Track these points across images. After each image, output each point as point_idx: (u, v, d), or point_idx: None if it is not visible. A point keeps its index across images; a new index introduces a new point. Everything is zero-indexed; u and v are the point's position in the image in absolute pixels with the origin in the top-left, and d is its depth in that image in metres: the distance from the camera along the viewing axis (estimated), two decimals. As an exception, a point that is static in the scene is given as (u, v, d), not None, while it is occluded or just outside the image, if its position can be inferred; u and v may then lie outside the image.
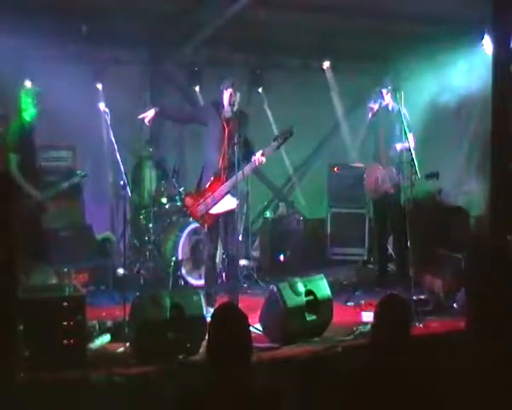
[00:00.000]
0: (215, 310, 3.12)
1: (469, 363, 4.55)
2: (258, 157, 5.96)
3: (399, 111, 6.53)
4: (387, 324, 3.13)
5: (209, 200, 6.11)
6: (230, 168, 6.01)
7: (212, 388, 2.81)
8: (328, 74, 9.61)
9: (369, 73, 10.09)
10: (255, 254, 8.73)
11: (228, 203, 6.09)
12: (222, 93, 6.11)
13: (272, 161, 7.79)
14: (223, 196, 6.08)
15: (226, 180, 6.05)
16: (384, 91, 7.25)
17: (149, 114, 6.26)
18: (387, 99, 7.24)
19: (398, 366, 3.02)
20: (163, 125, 8.21)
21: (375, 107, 7.24)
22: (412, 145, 6.55)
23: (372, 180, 7.41)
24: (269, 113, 9.41)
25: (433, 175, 6.63)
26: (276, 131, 6.33)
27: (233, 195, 6.08)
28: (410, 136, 6.57)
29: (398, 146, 6.99)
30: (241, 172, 5.92)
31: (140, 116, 6.38)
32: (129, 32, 7.98)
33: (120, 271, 7.16)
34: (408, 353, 3.08)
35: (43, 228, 6.60)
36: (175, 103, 8.88)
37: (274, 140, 6.02)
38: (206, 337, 4.97)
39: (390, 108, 7.24)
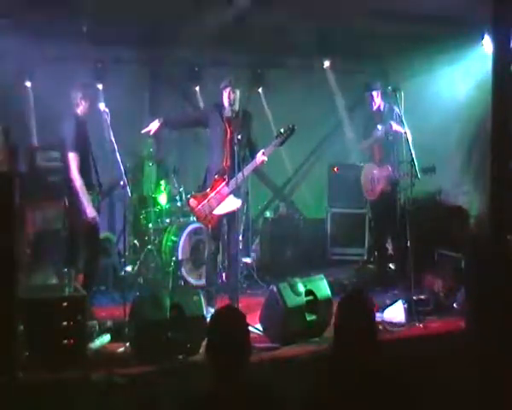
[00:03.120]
0: (214, 313, 3.12)
1: (469, 363, 4.55)
2: (259, 156, 5.97)
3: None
4: (349, 323, 3.06)
5: (212, 200, 6.12)
6: (233, 169, 6.02)
7: (212, 388, 2.81)
8: (329, 74, 9.61)
9: (369, 72, 10.09)
10: (255, 253, 8.72)
11: (231, 204, 6.09)
12: (221, 94, 6.12)
13: (272, 160, 7.79)
14: (226, 197, 6.08)
15: (229, 180, 6.06)
16: (375, 94, 7.32)
17: (153, 127, 6.27)
18: (378, 101, 7.33)
19: (366, 365, 2.94)
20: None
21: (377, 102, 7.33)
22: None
23: (368, 181, 7.43)
24: (269, 112, 9.41)
25: (430, 169, 6.63)
26: (276, 131, 6.36)
27: (236, 195, 6.09)
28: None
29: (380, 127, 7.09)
30: (241, 172, 5.93)
31: (144, 130, 6.38)
32: (129, 32, 7.98)
33: (128, 268, 7.19)
34: (375, 351, 3.00)
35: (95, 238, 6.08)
36: (175, 108, 8.88)
37: (276, 138, 6.02)
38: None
39: (382, 108, 7.33)
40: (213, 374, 2.83)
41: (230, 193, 6.07)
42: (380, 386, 2.84)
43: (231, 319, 2.96)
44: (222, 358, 2.84)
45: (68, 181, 5.81)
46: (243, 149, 6.02)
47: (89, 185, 5.89)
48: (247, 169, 5.98)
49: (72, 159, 5.76)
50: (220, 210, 6.12)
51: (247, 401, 2.77)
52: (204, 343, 5.05)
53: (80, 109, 5.91)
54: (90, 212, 5.77)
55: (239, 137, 5.97)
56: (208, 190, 6.19)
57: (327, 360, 3.25)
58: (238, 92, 6.10)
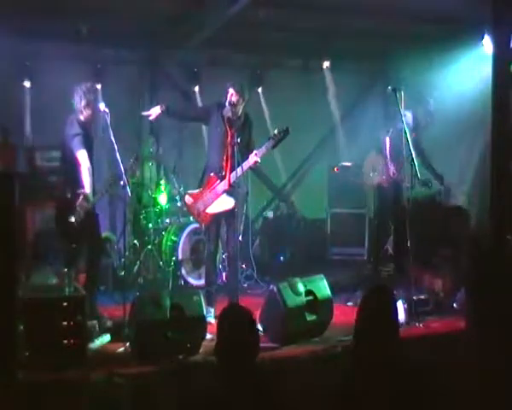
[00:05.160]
0: (222, 311, 3.11)
1: (469, 363, 4.55)
2: (251, 157, 5.96)
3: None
4: (369, 315, 3.09)
5: (206, 198, 6.13)
6: (230, 169, 6.03)
7: (223, 387, 2.81)
8: (328, 74, 9.62)
9: (368, 72, 10.10)
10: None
11: (224, 203, 6.09)
12: (226, 91, 6.11)
13: (272, 161, 7.82)
14: (219, 196, 6.08)
15: (223, 180, 6.06)
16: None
17: (155, 112, 6.26)
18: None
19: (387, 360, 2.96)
20: (163, 124, 8.20)
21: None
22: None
23: (369, 168, 7.46)
24: (268, 113, 9.41)
25: (426, 183, 6.77)
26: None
27: (230, 195, 6.08)
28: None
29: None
30: (235, 172, 5.94)
31: (145, 113, 6.39)
32: (129, 32, 7.98)
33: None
34: (396, 345, 3.02)
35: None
36: (176, 103, 8.88)
37: (269, 139, 5.99)
38: (209, 338, 5.05)
39: None
40: (223, 373, 2.84)
41: (224, 192, 6.07)
42: (390, 384, 2.86)
43: (242, 318, 2.96)
44: (233, 356, 2.84)
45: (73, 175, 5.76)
46: (242, 151, 6.01)
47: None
48: (241, 169, 5.96)
49: (82, 156, 5.70)
50: (214, 209, 6.13)
51: (255, 400, 2.77)
52: (204, 343, 5.08)
53: (84, 115, 5.87)
54: (87, 188, 5.65)
55: (238, 139, 5.97)
56: (203, 187, 6.21)
57: (347, 356, 3.27)
58: (242, 99, 6.08)
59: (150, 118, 6.38)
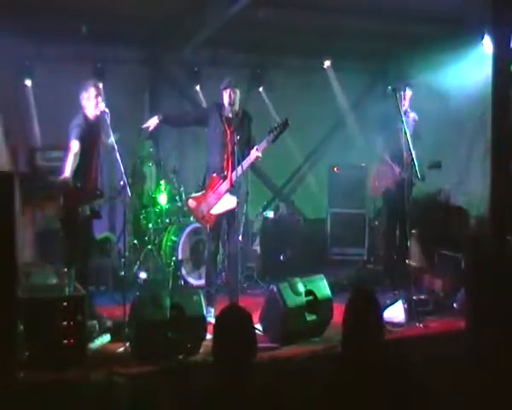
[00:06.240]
0: (220, 313, 3.10)
1: (469, 363, 4.55)
2: (253, 153, 5.95)
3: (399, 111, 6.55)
4: (355, 319, 3.11)
5: (209, 200, 6.13)
6: (232, 168, 6.03)
7: (220, 388, 2.81)
8: (329, 73, 9.61)
9: (369, 72, 10.10)
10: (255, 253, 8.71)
11: (228, 202, 6.09)
12: (221, 95, 6.12)
13: (273, 160, 7.80)
14: (223, 195, 6.08)
15: (226, 179, 6.05)
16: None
17: (152, 123, 6.27)
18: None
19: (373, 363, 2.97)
20: (163, 125, 8.20)
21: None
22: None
23: (374, 179, 7.43)
24: (270, 112, 9.40)
25: (435, 165, 6.63)
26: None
27: (232, 193, 6.08)
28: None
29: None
30: (237, 170, 5.93)
31: (144, 126, 6.39)
32: (129, 32, 7.99)
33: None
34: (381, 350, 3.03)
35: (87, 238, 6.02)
36: (175, 108, 8.87)
37: (268, 133, 5.96)
38: (209, 338, 5.05)
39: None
40: (221, 374, 2.84)
41: (227, 191, 6.07)
42: (381, 385, 2.86)
43: (239, 318, 2.97)
44: (231, 357, 2.84)
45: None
46: (242, 149, 6.01)
47: (94, 189, 5.86)
48: (243, 166, 5.96)
49: (74, 146, 5.67)
50: (218, 209, 6.12)
51: (254, 400, 2.77)
52: (204, 343, 5.08)
53: (88, 109, 5.87)
54: (65, 174, 5.61)
55: (238, 137, 5.97)
56: (205, 189, 6.21)
57: (333, 359, 3.27)
58: (238, 92, 6.10)
59: (149, 129, 6.39)
